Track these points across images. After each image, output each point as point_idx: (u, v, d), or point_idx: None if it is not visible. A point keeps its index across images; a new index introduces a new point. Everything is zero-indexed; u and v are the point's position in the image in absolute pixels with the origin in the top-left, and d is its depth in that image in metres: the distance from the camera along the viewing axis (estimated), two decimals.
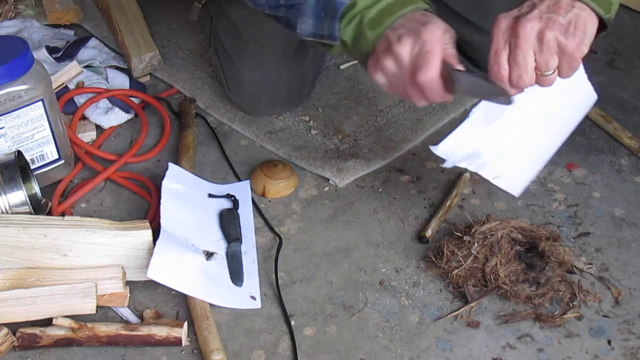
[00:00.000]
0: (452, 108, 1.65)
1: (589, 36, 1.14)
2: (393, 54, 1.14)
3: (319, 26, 1.21)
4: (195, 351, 1.23)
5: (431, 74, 1.12)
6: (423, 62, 1.12)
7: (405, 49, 1.13)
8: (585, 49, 1.14)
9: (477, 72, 1.17)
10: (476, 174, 1.32)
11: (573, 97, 1.31)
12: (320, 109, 1.67)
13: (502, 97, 1.16)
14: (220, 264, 1.33)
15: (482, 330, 1.26)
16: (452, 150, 1.30)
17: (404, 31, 1.14)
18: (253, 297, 1.31)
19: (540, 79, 1.15)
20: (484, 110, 1.30)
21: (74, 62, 1.65)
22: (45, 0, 1.86)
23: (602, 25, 1.16)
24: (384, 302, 1.31)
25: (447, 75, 1.14)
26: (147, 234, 1.29)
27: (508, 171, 1.32)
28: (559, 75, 1.16)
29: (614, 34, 1.83)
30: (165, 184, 1.41)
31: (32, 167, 1.44)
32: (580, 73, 1.31)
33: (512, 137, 1.32)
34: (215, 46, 1.63)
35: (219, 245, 1.37)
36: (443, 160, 1.31)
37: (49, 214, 1.41)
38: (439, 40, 1.13)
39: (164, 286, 1.26)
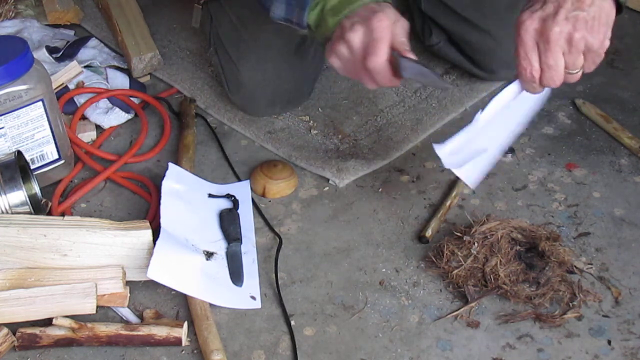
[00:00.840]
0: (452, 108, 1.66)
1: (610, 27, 1.18)
2: (345, 40, 1.22)
3: (289, 12, 1.29)
4: (195, 351, 1.23)
5: (379, 60, 1.20)
6: (371, 48, 1.20)
7: (356, 36, 1.20)
8: (607, 43, 1.18)
9: (419, 61, 1.25)
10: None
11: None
12: (320, 109, 1.67)
13: (443, 85, 1.43)
14: (220, 264, 1.34)
15: (482, 330, 1.26)
16: (453, 153, 1.31)
17: (357, 19, 1.21)
18: (253, 297, 1.31)
19: (568, 77, 1.20)
20: (487, 115, 1.31)
21: (74, 62, 1.65)
22: (45, 0, 1.86)
23: (617, 9, 1.20)
24: (384, 302, 1.31)
25: (395, 62, 1.21)
26: (147, 234, 1.29)
27: (472, 165, 1.33)
28: (584, 71, 1.20)
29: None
30: (165, 184, 1.41)
31: (32, 167, 1.44)
32: None
33: (485, 137, 1.33)
34: (215, 46, 1.63)
35: (219, 245, 1.37)
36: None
37: (49, 214, 1.41)
38: (386, 28, 1.20)
39: (164, 286, 1.26)
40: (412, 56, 1.22)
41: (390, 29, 1.21)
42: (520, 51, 1.19)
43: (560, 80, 1.19)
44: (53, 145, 1.46)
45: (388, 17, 1.21)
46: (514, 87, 1.26)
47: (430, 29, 1.69)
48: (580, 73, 1.20)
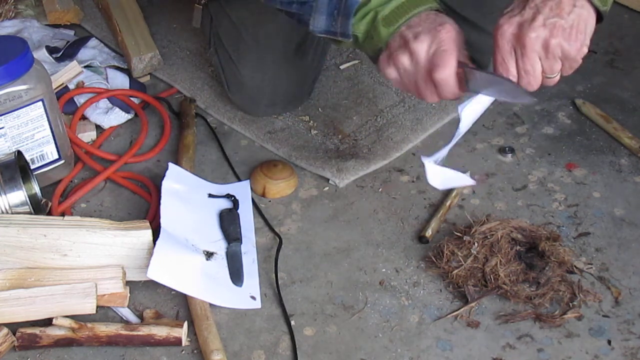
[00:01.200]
0: (452, 108, 1.65)
1: (589, 35, 1.17)
2: (410, 50, 1.18)
3: (332, 23, 1.24)
4: (195, 351, 1.23)
5: (448, 72, 1.17)
6: (440, 60, 1.17)
7: (422, 47, 1.17)
8: (585, 50, 1.17)
9: (491, 71, 1.22)
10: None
11: None
12: (320, 109, 1.67)
13: (522, 94, 1.20)
14: (220, 264, 1.33)
15: (482, 330, 1.26)
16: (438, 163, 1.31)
17: (421, 29, 1.18)
18: (253, 297, 1.31)
19: (545, 81, 1.19)
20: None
21: (74, 62, 1.65)
22: (45, 0, 1.86)
23: (598, 18, 1.19)
24: (384, 302, 1.31)
25: (462, 74, 1.19)
26: (147, 234, 1.29)
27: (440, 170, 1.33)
28: (561, 75, 1.19)
29: (614, 34, 1.83)
30: (165, 184, 1.41)
31: (32, 167, 1.44)
32: None
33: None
34: (216, 46, 1.63)
35: (219, 245, 1.37)
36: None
37: (49, 214, 1.41)
38: (455, 40, 1.18)
39: (164, 286, 1.26)
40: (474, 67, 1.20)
41: (457, 40, 1.18)
42: (497, 56, 1.18)
43: (537, 84, 1.18)
44: (53, 145, 1.46)
45: (454, 28, 1.19)
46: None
47: None
48: (558, 77, 1.19)
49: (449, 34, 1.17)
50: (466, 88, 1.21)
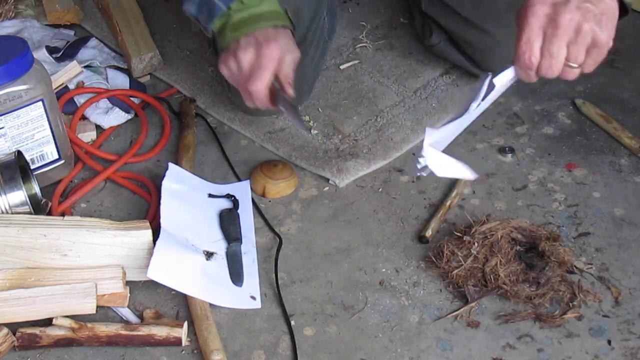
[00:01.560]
0: (451, 108, 1.65)
1: (615, 27, 1.16)
2: (236, 57, 1.30)
3: (200, 14, 1.36)
4: (195, 351, 1.23)
5: (259, 85, 1.29)
6: (256, 73, 1.29)
7: (246, 57, 1.29)
8: (611, 42, 1.16)
9: (291, 100, 1.34)
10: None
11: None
12: (320, 109, 1.67)
13: (302, 129, 1.49)
14: (220, 264, 1.33)
15: (482, 330, 1.26)
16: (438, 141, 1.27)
17: (252, 41, 1.30)
18: (253, 297, 1.31)
19: (565, 70, 1.17)
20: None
21: (74, 62, 1.65)
22: (45, 0, 1.86)
23: (622, 12, 1.18)
24: (384, 302, 1.31)
25: (275, 91, 1.31)
26: (147, 234, 1.29)
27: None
28: (584, 69, 1.18)
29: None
30: (165, 184, 1.41)
31: (32, 167, 1.44)
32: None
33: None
34: (216, 46, 1.63)
35: (219, 245, 1.37)
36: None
37: (49, 214, 1.41)
38: (274, 59, 1.28)
39: (164, 286, 1.26)
40: (289, 91, 1.30)
41: (278, 59, 1.28)
42: (524, 35, 1.15)
43: (558, 70, 1.16)
44: (53, 145, 1.46)
45: (280, 47, 1.28)
46: (508, 73, 1.20)
47: (431, 29, 1.69)
48: (578, 70, 1.17)
49: (270, 50, 1.28)
50: (276, 104, 1.32)
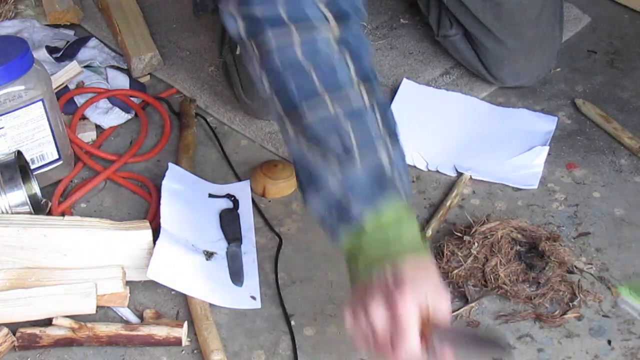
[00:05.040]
0: None
1: None
2: (366, 312, 0.98)
3: (325, 218, 1.08)
4: (195, 351, 1.23)
5: (411, 348, 0.95)
6: (399, 337, 0.95)
7: (378, 315, 0.97)
8: None
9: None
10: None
11: None
12: None
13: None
14: (220, 264, 1.33)
15: (482, 330, 1.26)
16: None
17: (379, 294, 0.97)
18: (253, 297, 1.31)
19: None
20: None
21: (74, 62, 1.65)
22: (45, 0, 1.86)
23: None
24: None
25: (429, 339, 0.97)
26: (147, 234, 1.29)
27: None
28: None
29: (614, 34, 1.83)
30: (165, 184, 1.41)
31: (32, 167, 1.44)
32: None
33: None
34: (230, 44, 1.60)
35: (219, 245, 1.37)
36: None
37: (49, 214, 1.41)
38: (414, 314, 0.95)
39: (164, 286, 1.27)
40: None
41: (418, 312, 0.96)
42: None
43: None
44: (53, 145, 1.46)
45: (415, 298, 0.95)
46: None
47: (451, 21, 1.67)
48: None
49: (405, 306, 0.95)
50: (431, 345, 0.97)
